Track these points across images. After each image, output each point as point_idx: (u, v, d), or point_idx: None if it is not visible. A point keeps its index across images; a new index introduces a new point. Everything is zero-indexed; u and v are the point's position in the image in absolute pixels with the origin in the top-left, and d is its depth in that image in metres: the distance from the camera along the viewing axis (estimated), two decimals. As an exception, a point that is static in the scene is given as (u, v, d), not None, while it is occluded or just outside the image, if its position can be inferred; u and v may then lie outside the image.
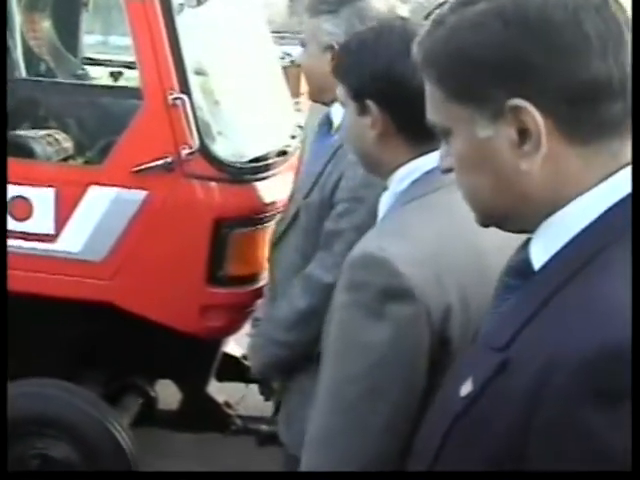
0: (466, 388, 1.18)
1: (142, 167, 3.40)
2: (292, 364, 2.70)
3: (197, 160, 3.45)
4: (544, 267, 1.18)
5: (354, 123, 1.86)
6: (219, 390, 4.17)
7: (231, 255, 3.47)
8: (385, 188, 1.87)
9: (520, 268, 1.25)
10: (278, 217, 3.04)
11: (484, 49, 1.14)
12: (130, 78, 4.78)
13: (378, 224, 1.79)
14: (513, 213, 1.22)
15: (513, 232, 1.28)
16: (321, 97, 2.86)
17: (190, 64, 3.59)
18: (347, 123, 1.94)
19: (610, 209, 1.13)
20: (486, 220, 1.29)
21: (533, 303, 1.13)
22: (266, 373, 2.92)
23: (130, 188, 3.47)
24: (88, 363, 3.87)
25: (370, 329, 1.58)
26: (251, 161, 3.61)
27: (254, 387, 3.59)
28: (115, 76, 4.69)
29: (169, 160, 3.41)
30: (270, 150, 3.66)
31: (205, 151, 3.47)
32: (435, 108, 1.25)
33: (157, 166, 3.40)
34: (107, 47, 10.27)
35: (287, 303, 2.74)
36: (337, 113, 2.75)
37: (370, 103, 1.79)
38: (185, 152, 3.42)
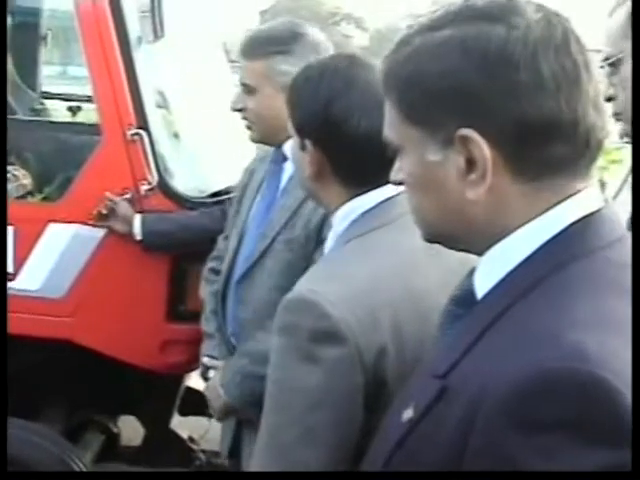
0: (407, 414, 1.20)
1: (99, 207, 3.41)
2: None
3: (156, 196, 3.45)
4: (486, 296, 1.21)
5: (297, 157, 1.85)
6: (182, 425, 4.15)
7: (191, 290, 3.46)
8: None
9: (464, 297, 1.27)
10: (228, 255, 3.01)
11: (440, 77, 1.16)
12: (89, 112, 4.76)
13: (314, 266, 1.78)
14: (457, 236, 1.25)
15: (458, 251, 1.30)
16: (272, 138, 2.84)
17: (149, 99, 3.59)
18: (293, 158, 1.93)
19: (549, 241, 1.16)
20: (430, 238, 1.31)
21: (473, 332, 1.16)
22: (236, 408, 2.88)
23: (89, 225, 3.45)
24: (47, 400, 3.83)
25: (302, 373, 1.57)
26: (211, 195, 3.61)
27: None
28: (73, 111, 4.67)
29: (128, 197, 3.41)
30: (230, 184, 3.66)
31: (164, 186, 3.47)
32: (391, 125, 1.26)
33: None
34: (66, 78, 10.26)
35: (268, 337, 2.71)
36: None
37: (307, 142, 1.78)
38: (144, 188, 3.42)
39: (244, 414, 2.80)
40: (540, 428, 0.99)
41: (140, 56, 3.58)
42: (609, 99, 1.95)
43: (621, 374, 1.00)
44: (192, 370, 3.85)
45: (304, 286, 1.64)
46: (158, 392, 3.92)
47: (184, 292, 3.52)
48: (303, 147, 1.80)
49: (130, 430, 4.16)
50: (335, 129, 1.74)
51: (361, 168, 1.74)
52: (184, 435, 4.11)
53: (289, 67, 2.71)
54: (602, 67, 1.98)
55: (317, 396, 1.57)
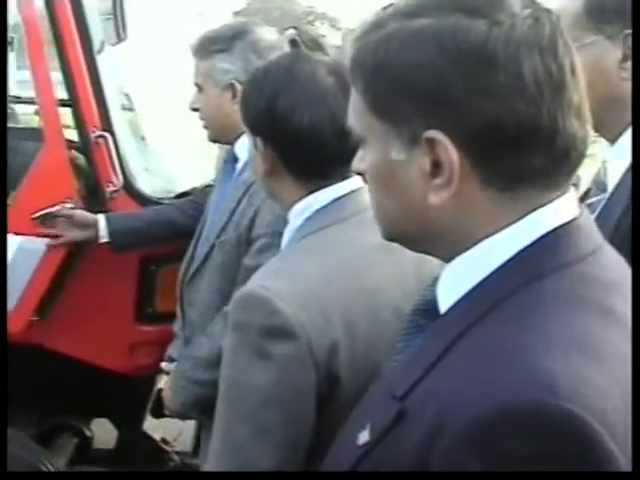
0: (363, 437, 1.14)
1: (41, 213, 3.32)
2: (212, 403, 2.67)
3: (122, 197, 3.44)
4: (449, 311, 1.13)
5: (253, 156, 1.86)
6: (155, 427, 4.14)
7: (159, 292, 3.47)
8: None
9: (427, 307, 1.20)
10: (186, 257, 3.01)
11: (410, 70, 1.07)
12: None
13: (267, 263, 1.78)
14: (418, 239, 1.18)
15: (418, 252, 1.24)
16: (224, 137, 2.89)
17: (114, 101, 3.59)
18: (251, 157, 1.94)
19: (518, 254, 1.09)
20: (389, 237, 1.23)
21: (434, 350, 1.08)
22: (185, 413, 2.90)
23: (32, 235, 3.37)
24: (19, 405, 3.81)
25: (254, 369, 1.57)
26: (177, 197, 3.61)
27: (191, 423, 3.58)
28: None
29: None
30: (196, 185, 3.66)
31: (129, 188, 3.47)
32: (355, 115, 1.17)
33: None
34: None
35: (208, 342, 2.73)
36: (241, 149, 2.79)
37: (257, 140, 1.80)
38: (109, 190, 3.42)
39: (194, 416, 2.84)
40: (505, 463, 0.94)
41: (104, 58, 3.58)
42: None
43: (591, 405, 0.94)
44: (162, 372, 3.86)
45: (256, 282, 1.64)
46: (130, 394, 3.90)
47: (152, 293, 3.53)
48: (255, 145, 1.81)
49: (103, 433, 4.15)
50: (280, 125, 1.74)
51: (310, 162, 1.75)
52: (157, 437, 4.10)
53: (229, 65, 2.78)
54: None
55: (269, 393, 1.56)
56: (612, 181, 1.97)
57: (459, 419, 0.96)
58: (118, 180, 3.41)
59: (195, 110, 2.91)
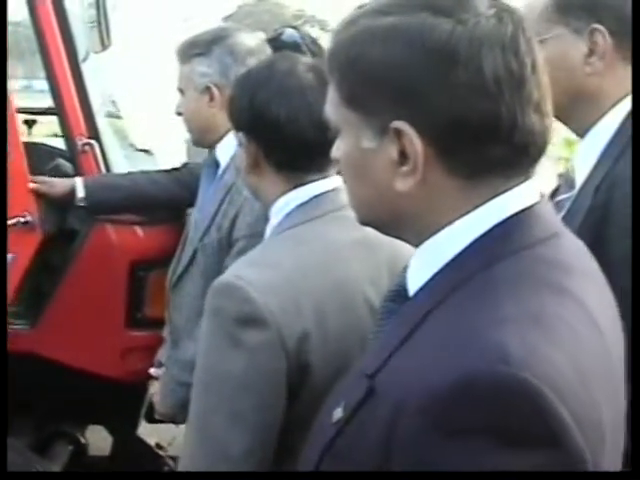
0: (337, 414, 1.19)
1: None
2: None
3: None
4: (416, 294, 1.19)
5: (239, 154, 1.91)
6: (150, 432, 4.15)
7: (149, 297, 3.48)
8: None
9: (397, 293, 1.27)
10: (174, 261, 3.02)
11: (378, 66, 1.13)
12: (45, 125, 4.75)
13: (246, 254, 1.83)
14: (387, 225, 1.24)
15: (394, 237, 1.29)
16: (206, 140, 2.90)
17: (101, 108, 3.60)
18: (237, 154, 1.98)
19: (480, 238, 1.15)
20: (363, 222, 1.29)
21: (402, 331, 1.14)
22: (175, 416, 2.91)
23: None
24: (13, 412, 3.82)
25: (226, 357, 1.62)
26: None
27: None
28: (29, 124, 4.65)
29: (27, 219, 3.25)
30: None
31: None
32: (331, 104, 1.24)
33: (16, 224, 3.25)
34: (30, 91, 10.23)
35: (195, 345, 2.74)
36: (222, 153, 2.81)
37: (241, 135, 1.84)
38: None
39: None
40: (460, 431, 0.98)
41: (90, 66, 3.60)
42: None
43: (543, 374, 0.99)
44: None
45: (231, 272, 1.70)
46: (124, 400, 3.91)
47: (142, 299, 3.53)
48: (240, 142, 1.86)
49: (98, 440, 4.15)
50: (259, 119, 1.80)
51: (289, 153, 1.80)
52: (152, 442, 4.11)
53: (206, 69, 2.79)
54: None
55: (240, 379, 1.61)
56: (579, 178, 1.97)
57: (418, 394, 1.01)
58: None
59: (179, 114, 2.92)
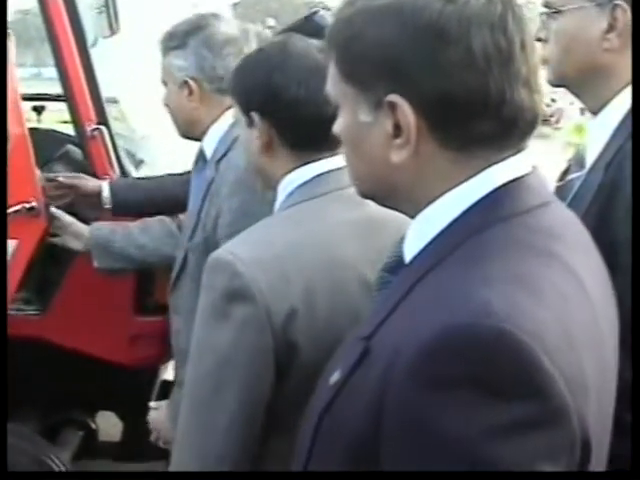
0: (334, 377, 1.23)
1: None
2: None
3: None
4: (411, 261, 1.24)
5: (246, 137, 1.92)
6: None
7: (158, 283, 3.47)
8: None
9: (394, 263, 1.31)
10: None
11: (373, 43, 1.18)
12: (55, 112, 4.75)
13: (243, 232, 1.86)
14: (384, 197, 1.30)
15: (391, 209, 1.33)
16: (191, 132, 2.85)
17: (107, 93, 3.59)
18: (242, 140, 1.99)
19: (472, 206, 1.19)
20: (362, 195, 1.34)
21: (397, 295, 1.19)
22: None
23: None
24: (23, 400, 3.82)
25: (215, 329, 1.68)
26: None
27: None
28: (38, 110, 4.66)
29: (32, 205, 3.18)
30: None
31: (126, 180, 3.48)
32: (331, 81, 1.29)
33: (21, 210, 3.19)
34: (39, 79, 10.23)
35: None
36: (208, 146, 2.77)
37: (254, 114, 1.85)
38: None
39: None
40: (446, 385, 1.02)
41: (98, 52, 3.59)
42: (539, 39, 1.96)
43: (526, 327, 1.02)
44: (164, 363, 3.87)
45: (224, 248, 1.74)
46: (135, 387, 3.91)
47: (151, 285, 3.54)
48: (251, 123, 1.87)
49: (109, 426, 4.16)
50: (278, 97, 1.83)
51: (306, 132, 1.83)
52: (162, 428, 4.10)
53: (183, 62, 2.75)
54: (542, 14, 1.99)
55: (227, 353, 1.66)
56: (591, 157, 1.96)
57: (406, 351, 1.05)
58: (114, 173, 3.42)
59: (167, 106, 2.88)
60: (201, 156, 2.86)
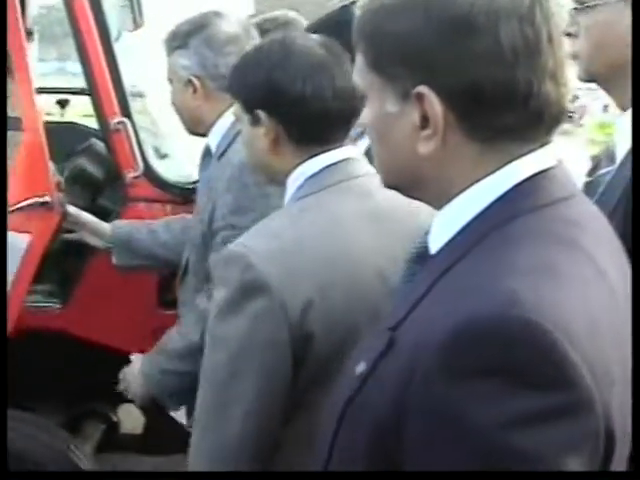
0: (360, 367, 1.23)
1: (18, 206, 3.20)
2: (186, 392, 2.70)
3: (142, 183, 3.46)
4: (438, 253, 1.24)
5: (250, 136, 1.92)
6: (181, 411, 4.15)
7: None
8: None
9: (420, 253, 1.31)
10: None
11: (401, 35, 1.19)
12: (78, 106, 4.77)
13: (255, 225, 1.87)
14: (410, 188, 1.29)
15: (416, 200, 1.33)
16: (196, 129, 2.93)
17: (131, 87, 3.60)
18: (244, 138, 1.99)
19: (498, 199, 1.19)
20: (388, 186, 1.34)
21: (423, 286, 1.19)
22: (161, 401, 2.99)
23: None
24: (45, 392, 3.84)
25: (229, 322, 1.69)
26: (196, 182, 3.61)
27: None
28: (62, 104, 4.68)
29: (46, 199, 3.20)
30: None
31: (150, 174, 3.49)
32: (358, 71, 1.29)
33: (34, 205, 3.22)
34: (63, 73, 10.28)
35: (179, 335, 2.83)
36: (214, 141, 2.84)
37: (259, 112, 1.86)
38: (130, 176, 3.44)
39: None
40: (471, 375, 1.02)
41: (122, 46, 3.60)
42: (568, 34, 1.94)
43: (552, 317, 1.02)
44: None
45: (237, 242, 1.75)
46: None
47: (174, 278, 3.53)
48: (256, 121, 1.88)
49: (131, 419, 4.17)
50: (282, 94, 1.83)
51: (314, 126, 1.85)
52: (183, 421, 4.11)
53: (186, 61, 2.82)
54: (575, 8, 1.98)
55: (241, 344, 1.68)
56: (621, 152, 1.95)
57: (432, 341, 1.06)
58: (138, 166, 3.43)
59: (173, 104, 2.96)
60: (207, 152, 2.93)
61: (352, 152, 1.89)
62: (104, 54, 3.46)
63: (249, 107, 1.89)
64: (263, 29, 3.22)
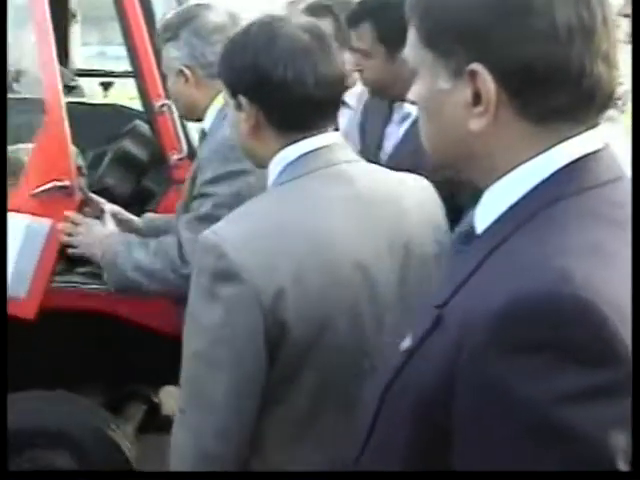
0: (406, 343, 1.25)
1: (38, 190, 3.25)
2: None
3: (187, 164, 3.45)
4: (485, 232, 1.25)
5: (234, 119, 1.92)
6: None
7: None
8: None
9: (466, 233, 1.32)
10: None
11: (456, 12, 1.19)
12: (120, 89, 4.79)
13: (232, 212, 1.88)
14: (459, 166, 1.30)
15: (464, 180, 1.33)
16: (191, 115, 3.11)
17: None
18: (230, 121, 2.01)
19: (547, 179, 1.19)
20: (437, 164, 1.33)
21: (470, 265, 1.19)
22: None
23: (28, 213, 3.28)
24: (89, 373, 3.86)
25: (204, 310, 1.72)
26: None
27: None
28: (105, 86, 4.70)
29: (65, 184, 3.22)
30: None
31: (194, 155, 3.47)
32: (410, 47, 1.29)
33: (53, 189, 3.25)
34: (105, 58, 10.33)
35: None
36: (207, 125, 2.97)
37: (241, 98, 1.86)
38: (174, 157, 3.44)
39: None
40: (522, 350, 1.03)
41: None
42: (625, 15, 1.92)
43: (603, 295, 1.03)
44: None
45: (211, 229, 1.76)
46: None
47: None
48: (239, 106, 1.88)
49: (171, 401, 4.19)
50: (264, 80, 1.82)
51: (294, 112, 1.84)
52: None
53: (177, 53, 2.95)
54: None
55: (216, 332, 1.70)
56: None
57: (483, 315, 1.06)
58: (182, 148, 3.44)
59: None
60: (203, 135, 3.02)
61: (334, 138, 1.88)
62: (149, 36, 3.47)
63: (233, 92, 1.89)
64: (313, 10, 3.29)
